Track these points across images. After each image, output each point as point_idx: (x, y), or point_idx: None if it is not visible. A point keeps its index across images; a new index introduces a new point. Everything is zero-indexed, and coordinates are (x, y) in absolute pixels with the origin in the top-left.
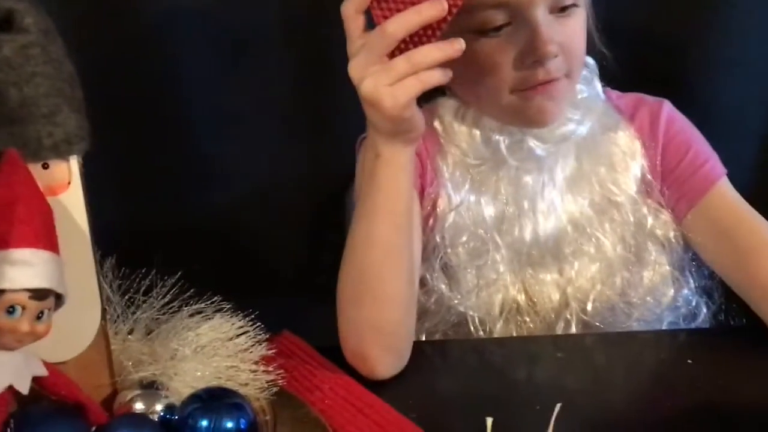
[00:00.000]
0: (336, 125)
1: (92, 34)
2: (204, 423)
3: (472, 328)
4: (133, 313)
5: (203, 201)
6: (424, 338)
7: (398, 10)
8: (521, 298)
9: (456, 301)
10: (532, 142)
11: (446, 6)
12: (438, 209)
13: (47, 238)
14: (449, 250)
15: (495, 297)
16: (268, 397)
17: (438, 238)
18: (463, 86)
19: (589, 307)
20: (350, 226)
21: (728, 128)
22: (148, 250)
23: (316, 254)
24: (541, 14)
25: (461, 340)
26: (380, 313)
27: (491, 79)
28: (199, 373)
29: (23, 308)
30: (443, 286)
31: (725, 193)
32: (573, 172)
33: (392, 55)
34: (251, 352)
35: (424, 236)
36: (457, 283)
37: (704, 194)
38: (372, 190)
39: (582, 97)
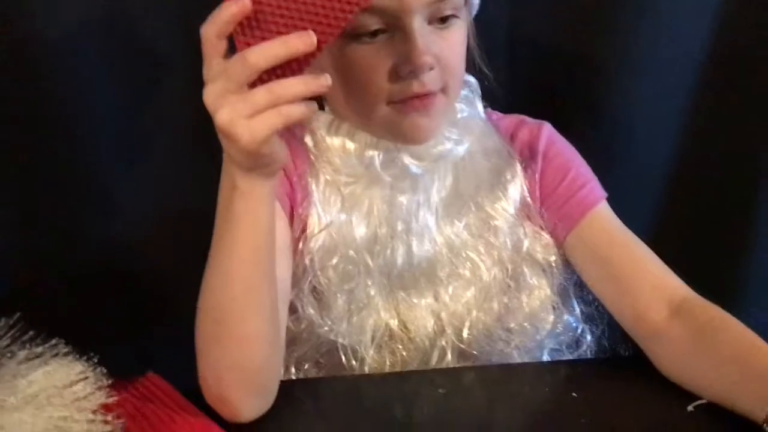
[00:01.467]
0: None
1: None
2: None
3: (343, 357)
4: None
5: (100, 236)
6: (293, 368)
7: (264, 39)
8: (394, 323)
9: (326, 328)
10: (408, 159)
11: (315, 41)
12: (308, 230)
13: None
14: (319, 273)
15: (366, 322)
16: None
17: (307, 261)
18: (338, 97)
19: (465, 333)
20: (207, 259)
21: (636, 137)
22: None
23: None
24: (417, 23)
25: (334, 378)
26: (241, 353)
27: (366, 88)
28: (27, 426)
29: None
30: (312, 312)
31: (603, 217)
32: (449, 194)
33: (253, 86)
34: (89, 400)
35: (294, 260)
36: (327, 309)
37: (581, 218)
38: (229, 225)
39: (462, 116)
